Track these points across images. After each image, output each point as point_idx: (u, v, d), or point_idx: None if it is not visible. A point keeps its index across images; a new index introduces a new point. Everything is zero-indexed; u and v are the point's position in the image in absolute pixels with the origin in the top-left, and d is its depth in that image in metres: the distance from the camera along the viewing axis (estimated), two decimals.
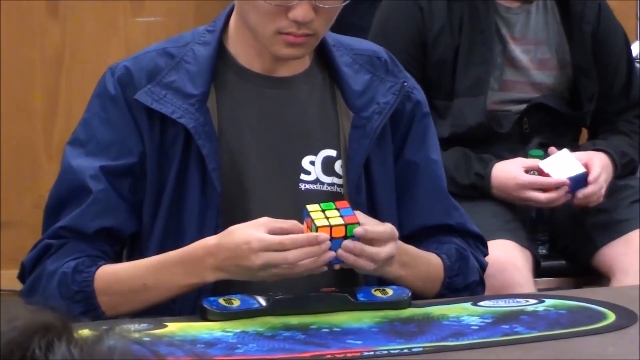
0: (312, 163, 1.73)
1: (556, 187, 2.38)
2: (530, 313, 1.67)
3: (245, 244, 1.54)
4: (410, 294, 1.65)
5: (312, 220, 1.54)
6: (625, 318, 1.63)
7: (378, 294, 1.62)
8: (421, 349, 1.51)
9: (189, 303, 1.61)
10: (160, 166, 1.67)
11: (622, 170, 2.48)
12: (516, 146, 2.48)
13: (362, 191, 1.71)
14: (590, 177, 2.39)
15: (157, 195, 1.67)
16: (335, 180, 1.72)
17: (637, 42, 3.15)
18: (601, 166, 2.43)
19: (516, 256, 2.33)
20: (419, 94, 1.79)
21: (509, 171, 2.41)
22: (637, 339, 1.58)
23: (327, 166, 1.72)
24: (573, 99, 2.55)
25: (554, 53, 2.52)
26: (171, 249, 1.63)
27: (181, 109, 1.66)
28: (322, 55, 1.75)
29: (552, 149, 2.44)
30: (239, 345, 1.50)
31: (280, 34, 1.63)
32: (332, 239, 1.54)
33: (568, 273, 2.56)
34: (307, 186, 1.72)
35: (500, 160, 2.43)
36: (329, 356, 1.47)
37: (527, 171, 2.41)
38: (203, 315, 1.54)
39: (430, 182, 1.78)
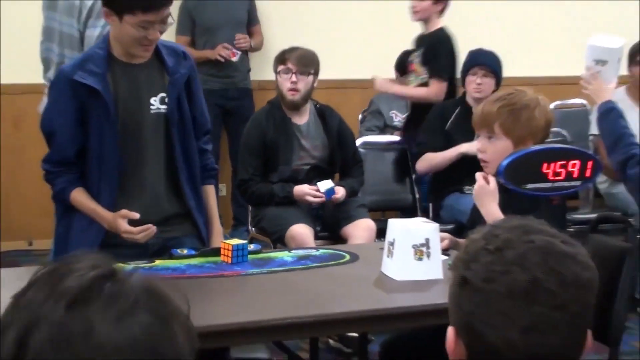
0: (155, 100, 3.38)
1: (318, 196, 4.53)
2: (313, 255, 3.45)
3: (115, 225, 3.28)
4: (260, 247, 3.48)
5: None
6: (354, 258, 3.40)
7: (250, 247, 3.35)
8: (266, 271, 3.19)
9: (164, 253, 3.36)
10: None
11: (351, 194, 4.62)
12: (310, 181, 4.63)
13: (175, 113, 3.38)
14: (338, 195, 4.44)
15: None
16: (164, 107, 3.39)
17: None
18: (342, 190, 4.54)
19: (308, 231, 4.38)
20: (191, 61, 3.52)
21: (301, 189, 4.55)
22: (360, 267, 3.26)
23: (161, 101, 3.39)
24: (330, 162, 4.71)
25: (322, 141, 4.67)
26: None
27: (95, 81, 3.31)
28: (157, 53, 3.42)
29: (321, 183, 4.56)
30: (188, 270, 3.16)
31: (142, 45, 3.32)
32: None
33: (329, 238, 4.67)
34: (153, 111, 3.38)
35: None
36: (227, 275, 3.15)
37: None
38: (171, 257, 3.26)
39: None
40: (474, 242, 1.44)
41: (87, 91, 3.28)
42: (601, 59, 3.81)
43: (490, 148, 3.24)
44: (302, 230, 4.51)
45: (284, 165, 4.73)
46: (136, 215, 3.28)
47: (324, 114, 4.90)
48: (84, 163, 3.37)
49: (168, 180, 3.47)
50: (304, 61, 4.81)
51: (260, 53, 6.72)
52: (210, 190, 3.64)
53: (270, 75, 5.07)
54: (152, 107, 3.39)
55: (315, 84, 4.86)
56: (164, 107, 3.40)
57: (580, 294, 1.39)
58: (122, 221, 3.29)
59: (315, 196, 4.64)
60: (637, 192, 3.59)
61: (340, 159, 4.88)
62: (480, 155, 3.30)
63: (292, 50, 4.88)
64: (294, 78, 4.76)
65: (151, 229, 3.27)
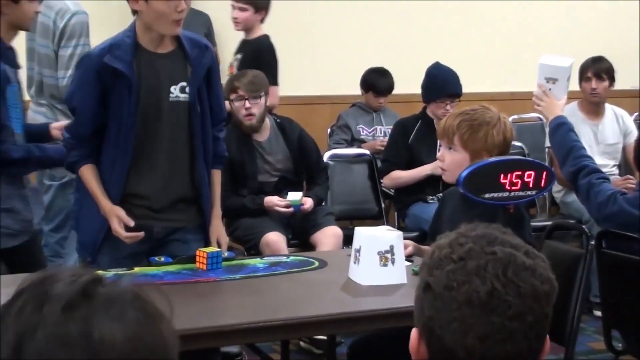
0: (174, 89, 3.53)
1: (286, 207, 4.73)
2: (284, 262, 3.60)
3: (109, 220, 3.46)
4: (234, 255, 3.65)
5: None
6: (323, 264, 3.55)
7: (224, 255, 3.50)
8: (239, 277, 3.34)
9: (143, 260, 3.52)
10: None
11: (318, 203, 4.81)
12: (280, 192, 4.82)
13: (196, 102, 3.54)
14: (306, 205, 4.62)
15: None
16: (184, 96, 3.54)
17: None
18: (310, 201, 4.72)
19: (280, 238, 4.61)
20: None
21: (270, 200, 4.76)
22: (328, 273, 3.41)
23: (181, 89, 3.55)
24: (296, 172, 4.91)
25: (285, 154, 4.87)
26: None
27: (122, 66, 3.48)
28: (180, 44, 3.58)
29: (291, 193, 4.72)
30: (165, 276, 3.31)
31: (173, 20, 3.46)
32: None
33: (299, 245, 4.86)
34: (172, 99, 3.53)
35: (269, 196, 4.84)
36: (202, 281, 3.29)
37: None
38: (149, 265, 3.43)
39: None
40: (440, 249, 1.47)
41: (113, 74, 3.45)
42: (552, 77, 3.95)
43: (449, 157, 3.43)
44: (275, 238, 4.72)
45: (252, 180, 4.92)
46: (131, 223, 3.45)
47: (284, 127, 5.10)
48: (100, 141, 3.54)
49: (182, 165, 3.61)
50: (254, 87, 4.97)
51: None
52: (217, 174, 3.77)
53: None
54: (171, 94, 3.55)
55: (267, 103, 5.04)
56: (183, 95, 3.56)
57: (537, 305, 1.41)
58: (115, 219, 3.46)
59: (283, 207, 4.86)
60: (586, 201, 3.76)
61: (305, 167, 5.10)
62: (439, 163, 3.50)
63: (241, 76, 5.04)
64: (247, 104, 4.93)
65: (139, 236, 3.45)
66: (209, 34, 6.52)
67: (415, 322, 1.48)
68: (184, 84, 3.55)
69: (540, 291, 1.42)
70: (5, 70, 3.70)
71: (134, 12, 3.51)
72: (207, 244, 3.66)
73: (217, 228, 3.73)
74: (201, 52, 3.58)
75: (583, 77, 5.96)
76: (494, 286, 1.40)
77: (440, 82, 5.42)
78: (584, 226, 3.77)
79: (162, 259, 3.46)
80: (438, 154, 3.54)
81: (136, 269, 3.40)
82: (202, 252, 3.41)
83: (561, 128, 3.89)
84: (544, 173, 3.32)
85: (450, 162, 3.42)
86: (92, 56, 3.53)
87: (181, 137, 3.58)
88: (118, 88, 3.47)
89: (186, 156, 3.60)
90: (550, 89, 3.95)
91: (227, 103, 4.76)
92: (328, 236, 4.85)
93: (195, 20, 6.22)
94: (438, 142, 3.91)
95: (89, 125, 3.53)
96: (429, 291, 1.44)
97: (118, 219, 3.48)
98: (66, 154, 3.64)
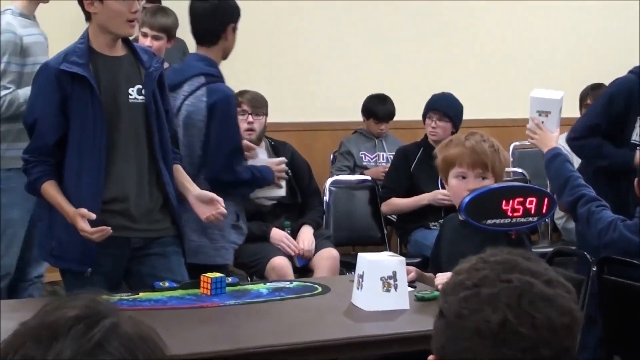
0: (132, 91, 3.55)
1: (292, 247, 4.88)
2: (287, 288, 3.61)
3: (74, 222, 3.40)
4: (238, 280, 3.67)
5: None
6: (326, 290, 3.55)
7: (228, 280, 3.51)
8: (243, 302, 3.34)
9: (145, 286, 3.54)
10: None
11: (316, 227, 4.88)
12: (278, 217, 4.91)
13: (152, 103, 3.56)
14: (309, 248, 4.70)
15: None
16: (141, 97, 3.56)
17: None
18: (311, 238, 4.82)
19: (287, 262, 4.72)
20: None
21: (279, 236, 4.88)
22: (331, 298, 3.41)
23: (138, 92, 3.56)
24: (292, 194, 4.92)
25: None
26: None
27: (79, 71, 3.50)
28: (132, 49, 3.62)
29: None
30: (169, 301, 3.31)
31: (128, 21, 3.49)
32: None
33: (298, 270, 4.90)
34: (132, 100, 3.54)
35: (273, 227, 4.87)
36: (206, 306, 3.29)
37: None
38: (154, 290, 3.43)
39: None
40: (458, 274, 1.42)
41: (72, 80, 3.47)
42: (544, 110, 4.00)
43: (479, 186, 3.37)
44: (282, 262, 4.76)
45: (248, 202, 4.93)
46: (92, 216, 3.39)
47: (278, 149, 5.16)
48: (62, 154, 3.51)
49: (148, 170, 3.61)
50: (257, 103, 5.05)
51: None
52: (179, 167, 3.77)
53: None
54: (130, 96, 3.58)
55: (266, 124, 5.11)
56: (140, 97, 3.60)
57: (555, 338, 1.35)
58: (80, 219, 3.40)
59: (290, 247, 4.92)
60: (587, 229, 3.79)
61: (298, 189, 5.15)
62: (464, 193, 3.35)
63: (244, 92, 5.11)
64: (250, 119, 4.99)
65: (106, 230, 3.40)
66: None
67: (432, 348, 1.44)
68: (140, 86, 3.60)
69: (558, 323, 1.35)
70: None
71: (87, 17, 3.56)
72: (184, 255, 3.71)
73: (200, 190, 3.76)
74: (150, 57, 3.67)
75: (582, 104, 5.97)
76: (506, 316, 1.34)
77: (431, 99, 5.59)
78: (585, 252, 3.79)
79: (167, 284, 3.47)
80: (469, 185, 3.39)
81: (141, 294, 3.41)
82: (206, 278, 3.43)
83: (556, 159, 3.93)
84: (546, 199, 3.34)
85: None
86: (48, 65, 3.56)
87: (142, 139, 3.60)
88: (78, 93, 3.48)
89: (147, 157, 3.61)
90: (543, 122, 4.00)
91: None
92: (324, 258, 4.91)
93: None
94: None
95: (51, 135, 3.50)
96: (442, 318, 1.40)
97: (80, 216, 3.42)
98: (27, 176, 3.58)
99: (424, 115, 5.56)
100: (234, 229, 4.15)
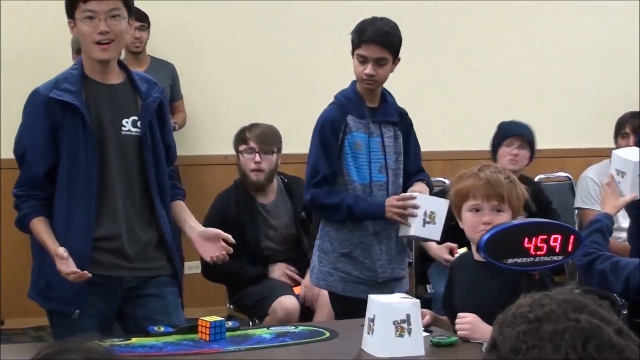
0: (127, 122, 3.43)
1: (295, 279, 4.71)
2: (292, 332, 3.40)
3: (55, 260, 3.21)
4: (238, 324, 3.43)
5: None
6: (334, 334, 3.35)
7: (228, 325, 3.29)
8: (244, 348, 3.16)
9: (140, 330, 3.31)
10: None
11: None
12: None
13: (148, 137, 3.37)
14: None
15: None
16: (136, 130, 3.38)
17: None
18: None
19: (295, 302, 4.52)
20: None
21: (281, 267, 4.65)
22: (339, 344, 3.23)
23: (133, 124, 3.39)
24: (299, 237, 4.76)
25: (290, 217, 4.72)
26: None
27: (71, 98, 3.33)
28: (129, 78, 3.47)
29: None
30: (165, 347, 3.12)
31: (96, 43, 3.37)
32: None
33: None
34: (125, 132, 3.36)
35: None
36: (204, 352, 3.09)
37: None
38: (148, 335, 3.21)
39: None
40: (518, 307, 1.35)
41: (62, 109, 3.30)
42: (620, 170, 3.90)
43: (496, 221, 3.18)
44: (292, 303, 4.49)
45: (253, 247, 4.65)
46: (65, 255, 3.19)
47: (291, 188, 4.84)
48: (52, 186, 3.33)
49: (142, 207, 3.43)
50: (266, 139, 4.74)
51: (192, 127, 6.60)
52: (180, 203, 3.58)
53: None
54: (123, 128, 3.40)
55: (279, 162, 4.79)
56: (135, 130, 3.41)
57: None
58: (58, 259, 3.21)
59: (294, 276, 4.64)
60: (612, 279, 3.60)
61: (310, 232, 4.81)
62: (481, 227, 3.18)
63: (253, 127, 4.81)
64: (257, 158, 4.68)
65: (84, 275, 3.20)
66: (174, 84, 6.40)
67: None
68: (135, 117, 3.41)
69: None
70: None
71: None
72: (181, 294, 3.54)
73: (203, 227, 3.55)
74: (150, 87, 3.48)
75: (620, 132, 5.64)
76: (567, 357, 1.25)
77: (506, 125, 5.34)
78: (614, 295, 3.57)
79: (162, 328, 3.24)
80: (485, 218, 3.19)
81: (134, 340, 3.19)
82: (205, 322, 3.19)
83: (591, 226, 3.78)
84: (572, 237, 3.15)
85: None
86: (39, 92, 3.37)
87: (134, 173, 3.41)
88: (69, 122, 3.31)
89: (141, 194, 3.42)
90: (619, 182, 3.90)
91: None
92: (324, 296, 4.49)
93: (160, 69, 6.17)
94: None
95: (40, 164, 3.33)
96: (494, 351, 1.31)
97: (58, 256, 3.23)
98: (17, 211, 3.40)
99: (497, 143, 5.28)
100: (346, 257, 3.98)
